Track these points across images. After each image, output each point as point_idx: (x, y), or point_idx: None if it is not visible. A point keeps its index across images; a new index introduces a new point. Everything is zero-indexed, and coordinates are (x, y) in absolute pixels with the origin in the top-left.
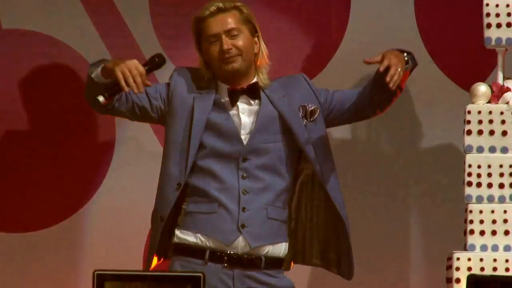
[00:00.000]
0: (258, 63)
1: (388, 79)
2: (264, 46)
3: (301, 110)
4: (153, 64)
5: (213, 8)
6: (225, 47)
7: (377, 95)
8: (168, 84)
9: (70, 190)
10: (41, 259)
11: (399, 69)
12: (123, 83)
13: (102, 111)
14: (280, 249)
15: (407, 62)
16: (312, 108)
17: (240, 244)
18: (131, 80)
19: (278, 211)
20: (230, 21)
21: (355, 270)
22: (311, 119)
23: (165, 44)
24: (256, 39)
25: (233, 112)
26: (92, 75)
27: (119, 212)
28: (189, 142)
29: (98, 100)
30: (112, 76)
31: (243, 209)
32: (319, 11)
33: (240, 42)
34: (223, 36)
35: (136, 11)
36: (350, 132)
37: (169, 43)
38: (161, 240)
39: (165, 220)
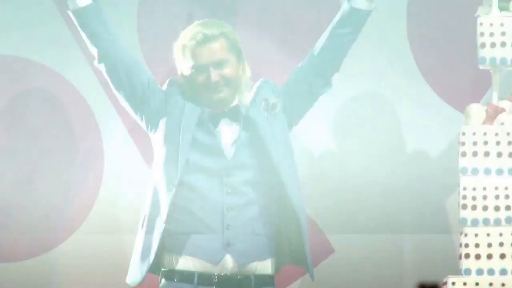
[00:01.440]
0: (239, 86)
1: None
2: (248, 67)
3: (263, 102)
4: None
5: (199, 37)
6: (213, 79)
7: (345, 22)
8: (165, 91)
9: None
10: None
11: None
12: None
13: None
14: (268, 265)
15: None
16: (274, 101)
17: (227, 264)
18: None
19: (263, 225)
20: (218, 51)
21: None
22: (272, 113)
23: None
24: (239, 64)
25: (216, 129)
26: (71, 8)
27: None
28: (178, 158)
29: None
30: None
31: (227, 226)
32: (308, 24)
33: (227, 72)
34: (211, 68)
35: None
36: (341, 157)
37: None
38: (147, 254)
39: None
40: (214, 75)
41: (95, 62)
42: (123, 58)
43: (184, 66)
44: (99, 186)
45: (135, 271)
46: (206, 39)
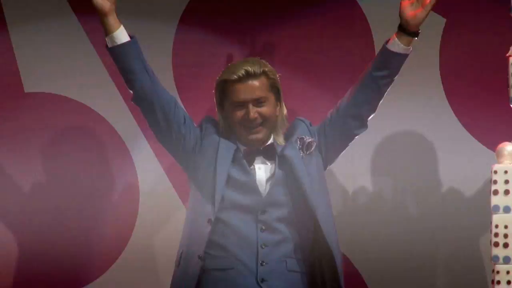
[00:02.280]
0: (277, 129)
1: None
2: (285, 108)
3: (299, 141)
4: None
5: (242, 73)
6: (252, 116)
7: (379, 72)
8: (200, 127)
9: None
10: None
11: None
12: None
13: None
14: None
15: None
16: (309, 140)
17: None
18: None
19: (297, 262)
20: (259, 89)
21: None
22: (308, 152)
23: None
24: (278, 104)
25: (251, 167)
26: (110, 46)
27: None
28: (214, 194)
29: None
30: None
31: (262, 263)
32: (344, 64)
33: (265, 110)
34: (250, 105)
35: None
36: (375, 195)
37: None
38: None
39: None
40: (253, 112)
41: (132, 99)
42: (159, 96)
43: (223, 101)
44: (134, 223)
45: None
46: (248, 76)
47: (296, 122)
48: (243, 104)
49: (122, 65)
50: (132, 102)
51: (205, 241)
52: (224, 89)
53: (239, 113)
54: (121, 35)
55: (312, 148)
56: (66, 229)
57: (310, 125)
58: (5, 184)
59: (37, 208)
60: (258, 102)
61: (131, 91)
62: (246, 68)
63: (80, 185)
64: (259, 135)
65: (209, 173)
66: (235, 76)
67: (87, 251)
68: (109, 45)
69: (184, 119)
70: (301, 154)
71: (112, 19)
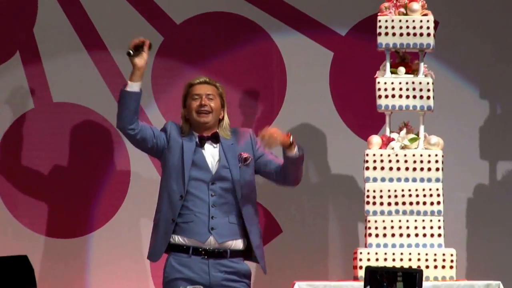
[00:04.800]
0: (220, 124)
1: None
2: (227, 116)
3: (239, 156)
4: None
5: (202, 79)
6: (203, 102)
7: (285, 169)
8: (165, 131)
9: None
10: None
11: (276, 136)
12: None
13: (128, 133)
14: (240, 243)
15: (292, 143)
16: (246, 156)
17: (211, 241)
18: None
19: (239, 219)
20: (210, 90)
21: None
22: (245, 164)
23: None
24: (222, 109)
25: (203, 151)
26: (128, 89)
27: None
28: (183, 173)
29: (129, 53)
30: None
31: (212, 217)
32: (262, 85)
33: (212, 104)
34: (203, 96)
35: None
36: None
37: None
38: (166, 239)
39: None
40: (205, 101)
41: (117, 126)
42: (140, 130)
43: (187, 97)
44: (126, 192)
45: (156, 250)
46: (205, 82)
47: (247, 133)
48: (199, 96)
49: (124, 102)
50: (116, 128)
51: (178, 209)
52: (188, 91)
53: (195, 103)
54: (136, 87)
55: (248, 161)
56: (77, 193)
57: (255, 139)
58: (42, 162)
59: (62, 173)
60: (208, 96)
61: (119, 123)
62: (204, 78)
63: (88, 162)
64: (207, 119)
65: (178, 163)
66: (197, 81)
67: (88, 208)
68: (125, 88)
69: (153, 133)
70: (240, 165)
71: (139, 74)
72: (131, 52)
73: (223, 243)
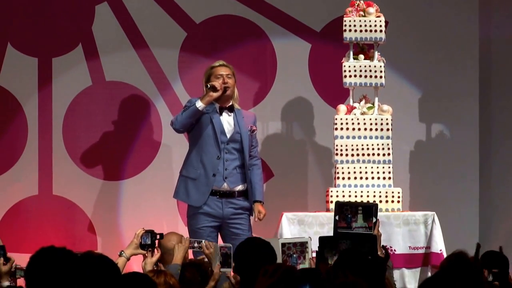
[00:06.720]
0: (233, 97)
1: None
2: (237, 90)
3: (249, 127)
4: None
5: (221, 62)
6: (226, 80)
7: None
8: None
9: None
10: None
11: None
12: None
13: (187, 126)
14: (244, 186)
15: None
16: (254, 128)
17: (225, 186)
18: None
19: (242, 169)
20: (228, 70)
21: None
22: (251, 133)
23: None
24: (235, 85)
25: (221, 118)
26: (199, 107)
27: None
28: (216, 139)
29: (212, 87)
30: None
31: (226, 169)
32: (257, 66)
33: (231, 81)
34: (224, 75)
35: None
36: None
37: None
38: (208, 188)
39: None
40: (226, 79)
41: (175, 128)
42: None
43: (211, 76)
44: (158, 149)
45: (201, 197)
46: (224, 65)
47: (253, 115)
48: (221, 76)
49: (192, 115)
50: (172, 127)
51: (217, 166)
52: (211, 72)
53: (219, 81)
54: (203, 108)
55: (254, 132)
56: (116, 146)
57: (255, 119)
58: (98, 124)
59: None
60: (227, 76)
61: (179, 126)
62: (222, 61)
63: (119, 129)
64: (229, 92)
65: (210, 129)
66: (218, 64)
67: (126, 155)
68: (199, 107)
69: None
70: (248, 132)
71: (210, 100)
72: (211, 86)
73: (233, 188)
